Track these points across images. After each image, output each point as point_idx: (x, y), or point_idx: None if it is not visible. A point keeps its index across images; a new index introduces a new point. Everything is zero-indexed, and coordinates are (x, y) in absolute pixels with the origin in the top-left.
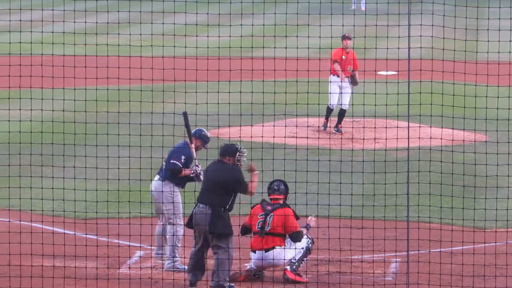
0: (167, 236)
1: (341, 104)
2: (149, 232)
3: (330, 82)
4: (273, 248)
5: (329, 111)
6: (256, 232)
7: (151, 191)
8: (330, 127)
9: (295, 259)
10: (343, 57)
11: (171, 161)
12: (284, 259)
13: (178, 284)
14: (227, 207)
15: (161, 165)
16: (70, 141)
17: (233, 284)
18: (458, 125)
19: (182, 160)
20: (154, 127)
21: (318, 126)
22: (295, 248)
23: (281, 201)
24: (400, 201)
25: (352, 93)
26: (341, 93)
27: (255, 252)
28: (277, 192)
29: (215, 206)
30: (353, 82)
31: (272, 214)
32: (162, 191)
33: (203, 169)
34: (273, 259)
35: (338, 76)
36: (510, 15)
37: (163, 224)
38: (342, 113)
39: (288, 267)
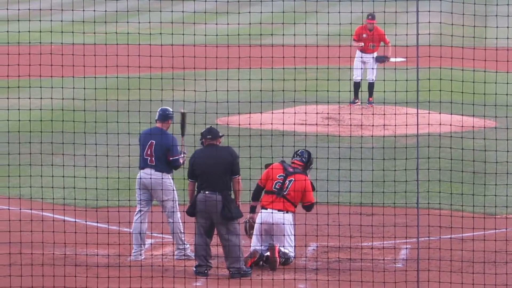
0: (171, 225)
1: (367, 78)
2: (160, 219)
3: (355, 57)
4: (287, 212)
5: (355, 85)
6: (273, 191)
7: (144, 181)
8: (357, 101)
9: (283, 246)
10: (364, 35)
11: (175, 158)
12: (283, 219)
13: (189, 272)
14: (231, 189)
15: (143, 159)
16: (80, 129)
17: (249, 269)
18: (468, 111)
19: (179, 151)
20: None
21: (328, 113)
22: (290, 246)
23: (301, 168)
24: (409, 187)
25: (375, 68)
26: (365, 68)
27: (266, 209)
28: (298, 158)
29: (224, 190)
30: (381, 60)
31: (292, 178)
32: (173, 188)
33: (188, 156)
34: (283, 221)
35: (361, 51)
36: None
37: (163, 215)
38: (369, 86)
39: (279, 248)
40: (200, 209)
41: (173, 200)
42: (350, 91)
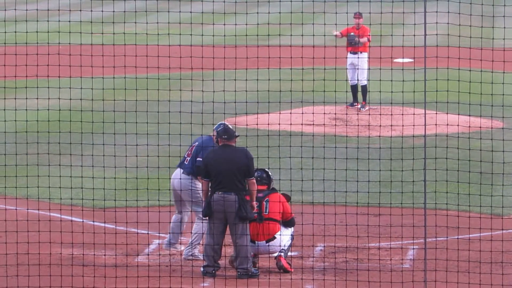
0: (196, 224)
1: (358, 80)
2: (167, 220)
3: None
4: (274, 238)
5: (352, 87)
6: (254, 219)
7: (173, 186)
8: (356, 104)
9: (285, 246)
10: (352, 33)
11: (199, 159)
12: (279, 246)
13: (196, 272)
14: (245, 190)
15: (182, 158)
16: (87, 129)
17: (257, 270)
18: (475, 112)
19: None
20: (171, 115)
21: (335, 114)
22: (289, 235)
23: (267, 189)
24: (417, 188)
25: (366, 68)
26: (357, 69)
27: (254, 243)
28: (259, 182)
29: (239, 191)
30: (352, 40)
31: (267, 199)
32: (191, 189)
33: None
34: (277, 245)
35: (351, 53)
36: None
37: (183, 212)
38: (362, 89)
39: (282, 254)
40: (216, 210)
41: (201, 201)
42: (347, 91)
